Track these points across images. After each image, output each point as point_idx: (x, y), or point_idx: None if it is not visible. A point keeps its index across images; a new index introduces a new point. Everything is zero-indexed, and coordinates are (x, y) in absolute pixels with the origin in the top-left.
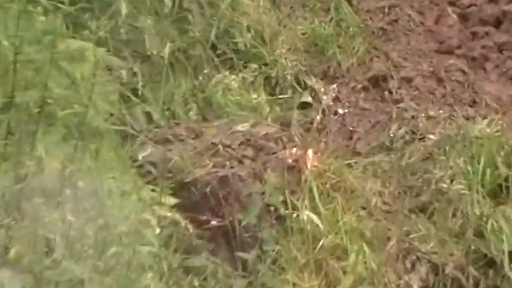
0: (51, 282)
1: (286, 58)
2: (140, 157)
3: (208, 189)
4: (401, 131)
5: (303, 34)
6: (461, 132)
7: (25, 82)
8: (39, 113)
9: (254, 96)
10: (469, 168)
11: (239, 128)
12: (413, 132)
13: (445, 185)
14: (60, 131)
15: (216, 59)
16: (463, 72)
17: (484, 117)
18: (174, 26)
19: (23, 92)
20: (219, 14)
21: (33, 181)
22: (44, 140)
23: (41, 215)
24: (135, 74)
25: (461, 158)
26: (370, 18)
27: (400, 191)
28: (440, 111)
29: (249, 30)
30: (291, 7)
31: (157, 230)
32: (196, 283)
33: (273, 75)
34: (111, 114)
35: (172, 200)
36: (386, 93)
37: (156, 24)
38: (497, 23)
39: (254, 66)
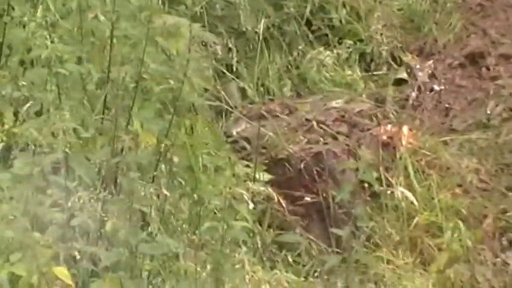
0: (146, 256)
1: (381, 34)
2: (234, 133)
3: (302, 166)
4: (499, 108)
5: (399, 10)
6: None
7: (121, 57)
8: (134, 88)
9: (349, 72)
10: None
11: (333, 104)
12: (511, 110)
13: None
14: (155, 106)
15: (310, 35)
16: None
17: None
18: (269, 1)
19: (119, 67)
20: None
21: (129, 155)
22: (140, 115)
23: (136, 189)
24: (229, 49)
25: None
26: None
27: (496, 168)
28: None
29: (344, 6)
30: None
31: (251, 206)
32: (290, 259)
33: (368, 51)
34: (206, 90)
35: (266, 176)
36: (483, 70)
37: (251, 0)
38: None
39: (349, 42)
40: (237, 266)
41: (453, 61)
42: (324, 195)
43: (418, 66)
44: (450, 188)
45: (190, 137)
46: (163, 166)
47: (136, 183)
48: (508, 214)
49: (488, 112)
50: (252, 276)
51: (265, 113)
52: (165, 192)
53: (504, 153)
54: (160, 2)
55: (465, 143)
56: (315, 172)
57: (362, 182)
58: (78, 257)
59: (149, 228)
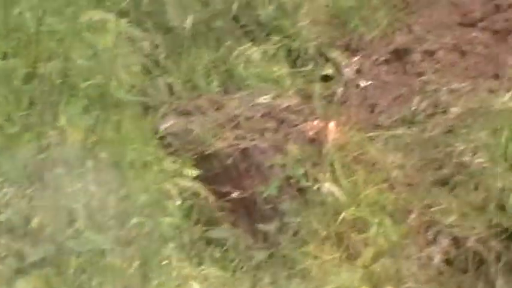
0: (73, 252)
1: (308, 30)
2: (162, 128)
3: (229, 161)
4: (424, 104)
5: (326, 6)
6: (484, 105)
7: (48, 53)
8: (61, 83)
9: (276, 68)
10: (492, 141)
11: (261, 100)
12: (436, 106)
13: (467, 158)
14: (82, 102)
15: (237, 31)
16: (486, 45)
17: (508, 90)
18: None
19: (45, 62)
20: None
21: (56, 151)
22: (66, 111)
23: (63, 185)
24: (157, 45)
25: (484, 131)
26: None
27: (421, 164)
28: (463, 84)
29: (270, 1)
30: None
31: (179, 202)
32: (217, 255)
33: (295, 47)
34: (133, 86)
35: (194, 172)
36: (408, 66)
37: None
38: None
39: (276, 38)
40: (164, 262)
41: (379, 57)
42: (251, 190)
43: (344, 63)
44: (376, 183)
45: (118, 132)
46: (90, 162)
47: (63, 179)
48: (432, 209)
49: (414, 108)
50: (179, 272)
51: (192, 109)
52: (92, 188)
53: (429, 148)
54: None
55: (391, 139)
56: (242, 168)
57: (289, 177)
58: (3, 253)
59: (76, 225)
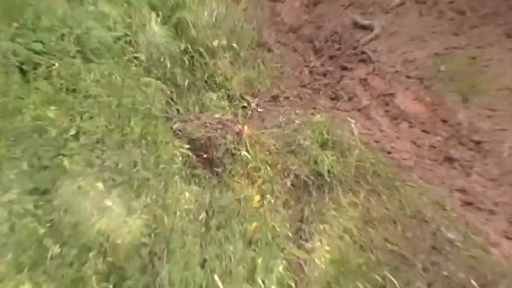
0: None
1: (236, 87)
2: (174, 127)
3: (203, 142)
4: (284, 119)
5: (244, 77)
6: (309, 119)
7: (126, 95)
8: (132, 109)
9: (222, 103)
10: (312, 134)
11: (216, 116)
12: (290, 119)
13: (302, 142)
14: (140, 117)
15: (206, 87)
16: (311, 95)
17: (319, 114)
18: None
19: (124, 98)
20: (209, 67)
21: None
22: (134, 121)
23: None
24: (172, 92)
25: (309, 130)
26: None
27: (283, 144)
28: (301, 111)
29: (221, 75)
30: (243, 64)
31: (180, 158)
32: (197, 181)
33: (231, 94)
34: (162, 109)
35: (187, 146)
36: (278, 103)
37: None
38: (324, 74)
39: (223, 90)
40: (174, 184)
41: (266, 99)
42: (212, 154)
43: (251, 101)
44: (264, 151)
45: (155, 129)
46: (143, 141)
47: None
48: (287, 163)
49: (280, 120)
50: (180, 188)
51: (187, 119)
52: (143, 152)
53: (286, 138)
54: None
55: (270, 134)
56: (208, 144)
57: (228, 149)
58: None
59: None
